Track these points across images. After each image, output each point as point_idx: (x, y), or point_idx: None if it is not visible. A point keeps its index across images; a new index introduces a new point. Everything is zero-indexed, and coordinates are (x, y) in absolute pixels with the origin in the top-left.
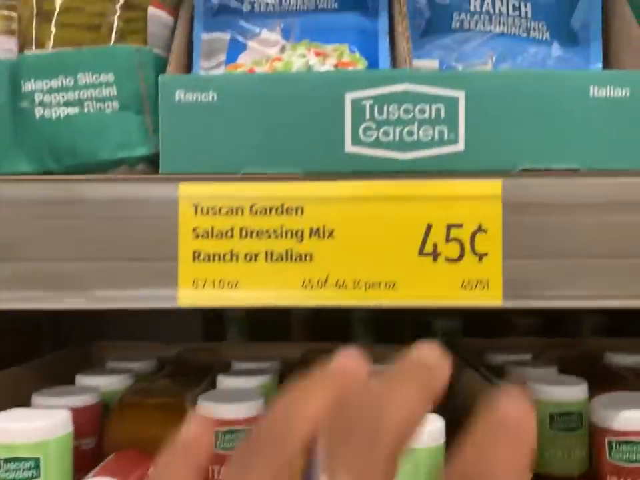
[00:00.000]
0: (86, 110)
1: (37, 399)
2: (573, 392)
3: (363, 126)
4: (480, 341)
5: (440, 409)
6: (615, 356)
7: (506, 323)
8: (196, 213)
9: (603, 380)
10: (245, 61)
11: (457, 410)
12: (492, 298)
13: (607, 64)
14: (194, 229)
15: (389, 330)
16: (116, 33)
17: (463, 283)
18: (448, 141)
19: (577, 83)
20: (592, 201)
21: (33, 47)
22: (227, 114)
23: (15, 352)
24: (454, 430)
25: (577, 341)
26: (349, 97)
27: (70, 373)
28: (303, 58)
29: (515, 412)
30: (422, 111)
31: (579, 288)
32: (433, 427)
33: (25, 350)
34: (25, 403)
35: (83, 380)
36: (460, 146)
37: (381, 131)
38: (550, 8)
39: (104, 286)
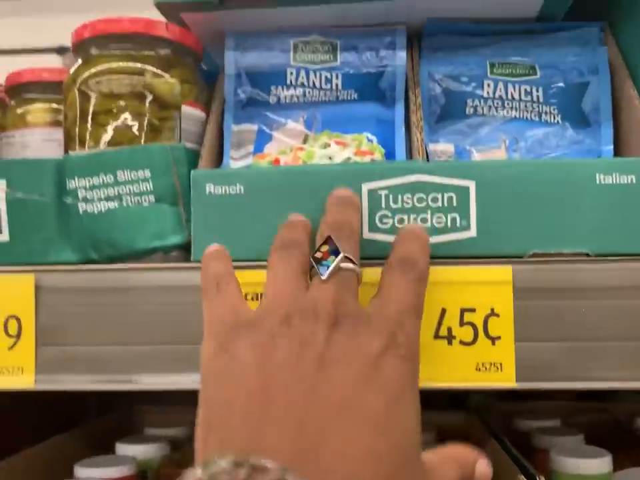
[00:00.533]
0: (124, 204)
1: (78, 469)
2: (595, 464)
3: (379, 214)
4: (510, 405)
5: None
6: None
7: None
8: None
9: (631, 448)
10: (271, 151)
11: None
12: (506, 380)
13: (617, 146)
14: None
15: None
16: (152, 130)
17: (477, 366)
18: (460, 228)
19: (583, 171)
20: (601, 284)
21: (77, 146)
22: (253, 205)
23: (62, 418)
24: None
25: (607, 405)
26: (366, 187)
27: (112, 439)
28: (324, 148)
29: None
30: (434, 200)
31: (590, 370)
32: None
33: (71, 416)
34: (69, 472)
35: (121, 448)
36: (472, 232)
37: (397, 218)
38: (561, 92)
39: (143, 369)
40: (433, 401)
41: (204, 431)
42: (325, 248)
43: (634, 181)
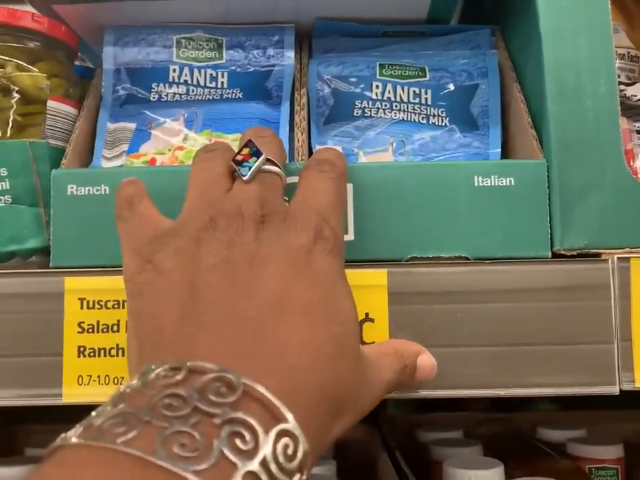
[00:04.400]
0: None
1: None
2: (485, 475)
3: None
4: (415, 417)
5: None
6: (546, 431)
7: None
8: (82, 307)
9: (529, 458)
10: (147, 150)
11: None
12: None
13: (505, 149)
14: (79, 324)
15: None
16: (13, 127)
17: None
18: None
19: (461, 173)
20: (478, 288)
21: None
22: None
23: None
24: None
25: (511, 415)
26: None
27: None
28: None
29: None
30: None
31: (467, 377)
32: None
33: None
34: None
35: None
36: (350, 236)
37: None
38: (450, 94)
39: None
40: None
41: (135, 347)
42: (245, 151)
43: (513, 183)
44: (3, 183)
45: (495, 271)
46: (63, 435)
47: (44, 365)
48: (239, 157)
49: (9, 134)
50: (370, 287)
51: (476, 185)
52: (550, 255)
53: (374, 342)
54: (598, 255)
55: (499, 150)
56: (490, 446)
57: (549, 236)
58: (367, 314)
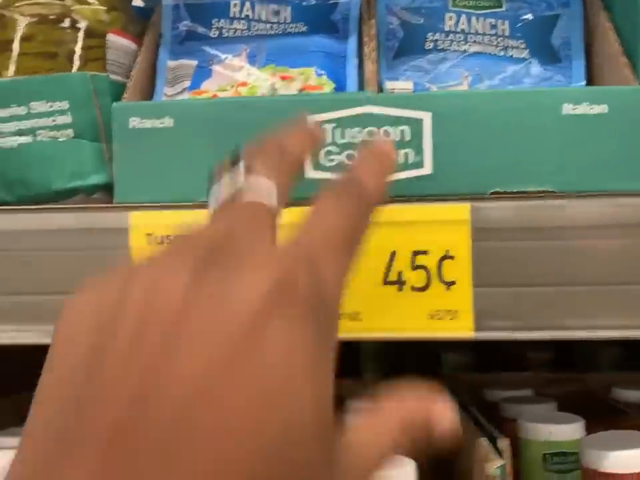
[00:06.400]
0: (39, 139)
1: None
2: (567, 431)
3: (324, 150)
4: (480, 377)
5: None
6: (621, 391)
7: (520, 357)
8: (149, 242)
9: (606, 417)
10: (209, 87)
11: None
12: (462, 329)
13: (590, 80)
14: None
15: (398, 363)
16: (76, 60)
17: (430, 313)
18: (413, 164)
19: (549, 101)
20: (568, 224)
21: None
22: (184, 140)
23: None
24: (433, 474)
25: (583, 375)
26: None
27: None
28: (268, 82)
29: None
30: (386, 134)
31: (554, 317)
32: (402, 471)
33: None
34: None
35: None
36: (427, 169)
37: (344, 154)
38: (529, 26)
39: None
40: (406, 366)
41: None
42: (227, 165)
43: (606, 111)
44: (65, 116)
45: (586, 205)
46: None
47: None
48: (216, 175)
49: (74, 66)
50: (450, 223)
51: (564, 113)
52: None
53: (453, 281)
54: None
55: (584, 83)
56: (564, 405)
57: None
58: (447, 251)
